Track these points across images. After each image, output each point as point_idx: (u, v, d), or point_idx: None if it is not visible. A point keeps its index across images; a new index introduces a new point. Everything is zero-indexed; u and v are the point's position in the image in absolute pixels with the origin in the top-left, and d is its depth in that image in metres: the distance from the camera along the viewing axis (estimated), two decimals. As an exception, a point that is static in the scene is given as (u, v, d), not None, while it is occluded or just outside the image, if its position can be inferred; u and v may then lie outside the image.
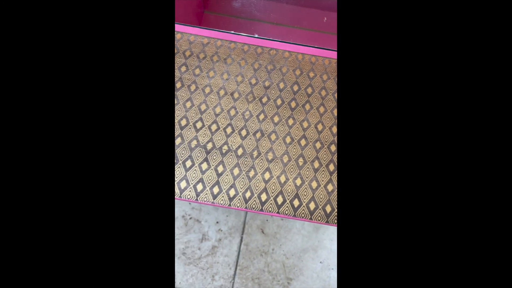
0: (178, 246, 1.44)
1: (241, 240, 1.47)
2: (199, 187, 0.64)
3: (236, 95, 0.71)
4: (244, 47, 0.76)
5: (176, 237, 1.46)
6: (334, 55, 0.76)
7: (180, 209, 1.50)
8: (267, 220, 1.50)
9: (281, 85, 0.73)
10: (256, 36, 0.74)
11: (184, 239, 1.46)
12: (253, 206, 0.63)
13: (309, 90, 0.73)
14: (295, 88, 0.73)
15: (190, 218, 1.49)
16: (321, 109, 0.72)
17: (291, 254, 1.46)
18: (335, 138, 0.69)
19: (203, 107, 0.70)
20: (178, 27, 0.76)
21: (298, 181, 0.65)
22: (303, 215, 0.63)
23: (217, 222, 1.49)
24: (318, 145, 0.69)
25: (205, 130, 0.68)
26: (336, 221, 0.65)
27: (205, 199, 0.63)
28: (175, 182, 0.63)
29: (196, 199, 0.63)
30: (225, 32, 0.75)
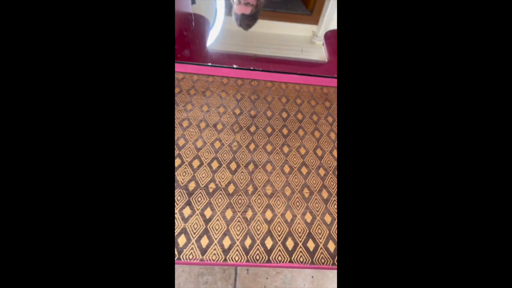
0: None
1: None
2: (181, 240, 0.47)
3: (219, 126, 0.62)
4: (223, 80, 0.70)
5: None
6: (318, 82, 0.73)
7: None
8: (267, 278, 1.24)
9: (269, 113, 0.66)
10: (235, 66, 0.70)
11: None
12: (257, 257, 0.47)
13: (299, 116, 0.67)
14: (284, 115, 0.66)
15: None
16: (317, 134, 0.64)
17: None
18: (339, 162, 0.60)
19: (181, 142, 0.58)
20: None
21: (308, 217, 0.52)
22: (323, 261, 0.48)
23: (200, 306, 1.20)
24: (321, 171, 0.58)
25: (185, 168, 0.55)
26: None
27: (190, 257, 0.46)
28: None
29: (178, 258, 0.45)
30: (202, 65, 0.69)
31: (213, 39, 0.72)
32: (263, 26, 0.71)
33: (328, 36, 0.76)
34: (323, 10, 0.74)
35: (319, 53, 0.75)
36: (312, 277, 1.31)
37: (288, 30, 0.74)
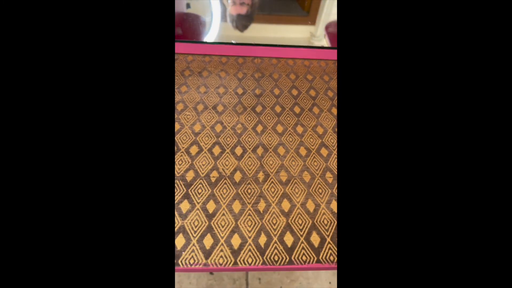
0: None
1: None
2: (179, 241, 0.38)
3: (220, 108, 0.53)
4: (222, 59, 0.61)
5: None
6: (329, 55, 0.64)
7: None
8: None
9: (276, 91, 0.57)
10: (233, 42, 0.61)
11: None
12: (275, 258, 0.37)
13: (312, 92, 0.57)
14: (294, 92, 0.57)
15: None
16: (334, 111, 0.55)
17: None
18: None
19: (175, 127, 0.49)
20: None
21: (335, 205, 0.42)
22: (359, 259, 0.38)
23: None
24: (345, 152, 0.48)
25: (181, 156, 0.46)
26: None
27: (191, 261, 0.36)
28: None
29: (176, 263, 0.36)
30: (196, 42, 0.61)
31: (215, 35, 0.65)
32: (260, 30, 0.67)
33: (329, 26, 0.70)
34: (320, 10, 0.70)
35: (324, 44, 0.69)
36: (330, 282, 1.20)
37: (286, 32, 0.70)
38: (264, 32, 0.69)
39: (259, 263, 0.37)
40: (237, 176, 0.44)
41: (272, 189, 0.43)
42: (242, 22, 0.62)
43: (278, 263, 0.37)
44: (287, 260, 0.37)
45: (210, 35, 0.64)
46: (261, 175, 0.44)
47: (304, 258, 0.37)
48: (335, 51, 0.64)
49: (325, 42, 0.68)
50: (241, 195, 0.42)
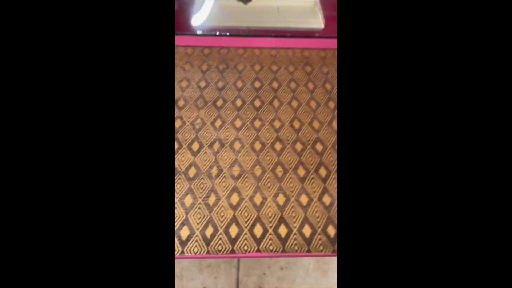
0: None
1: (237, 307, 1.16)
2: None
3: (181, 102, 0.55)
4: (188, 50, 0.62)
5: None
6: (297, 44, 0.63)
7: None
8: (264, 274, 1.22)
9: (239, 84, 0.58)
10: (198, 33, 0.61)
11: (162, 320, 1.12)
12: (219, 248, 0.41)
13: (275, 84, 0.58)
14: (257, 84, 0.58)
15: (168, 290, 1.18)
16: (294, 104, 0.55)
17: (301, 313, 1.16)
18: (319, 135, 0.52)
19: (137, 123, 0.52)
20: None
21: (281, 199, 0.45)
22: (296, 248, 0.42)
23: (203, 289, 1.19)
24: (298, 146, 0.50)
25: (141, 152, 0.49)
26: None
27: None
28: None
29: None
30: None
31: (204, 17, 0.64)
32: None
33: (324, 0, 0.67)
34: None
35: (319, 24, 0.66)
36: (309, 269, 1.27)
37: (289, 1, 0.66)
38: (268, 0, 0.66)
39: (203, 252, 0.41)
40: (192, 172, 0.47)
41: (223, 184, 0.46)
42: None
43: (221, 252, 0.41)
44: (229, 250, 0.41)
45: (206, 6, 0.63)
46: (214, 170, 0.47)
47: (245, 247, 0.41)
48: (303, 39, 0.63)
49: (319, 13, 0.65)
50: (193, 190, 0.45)
